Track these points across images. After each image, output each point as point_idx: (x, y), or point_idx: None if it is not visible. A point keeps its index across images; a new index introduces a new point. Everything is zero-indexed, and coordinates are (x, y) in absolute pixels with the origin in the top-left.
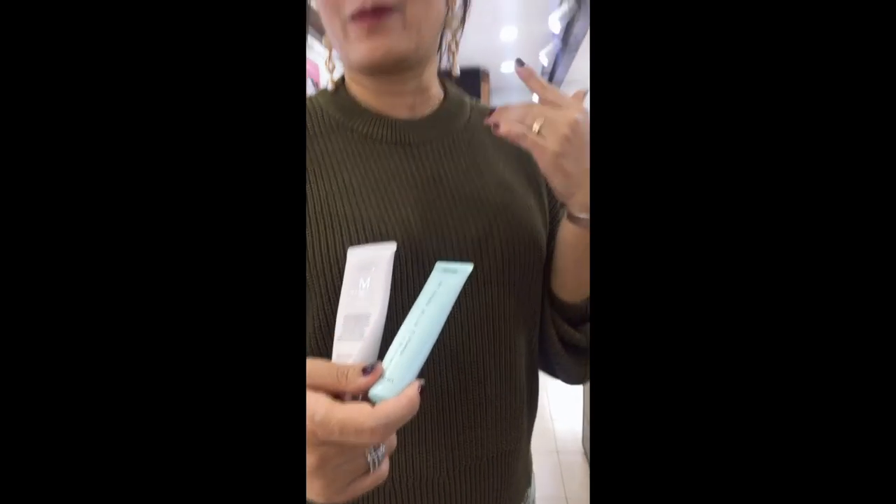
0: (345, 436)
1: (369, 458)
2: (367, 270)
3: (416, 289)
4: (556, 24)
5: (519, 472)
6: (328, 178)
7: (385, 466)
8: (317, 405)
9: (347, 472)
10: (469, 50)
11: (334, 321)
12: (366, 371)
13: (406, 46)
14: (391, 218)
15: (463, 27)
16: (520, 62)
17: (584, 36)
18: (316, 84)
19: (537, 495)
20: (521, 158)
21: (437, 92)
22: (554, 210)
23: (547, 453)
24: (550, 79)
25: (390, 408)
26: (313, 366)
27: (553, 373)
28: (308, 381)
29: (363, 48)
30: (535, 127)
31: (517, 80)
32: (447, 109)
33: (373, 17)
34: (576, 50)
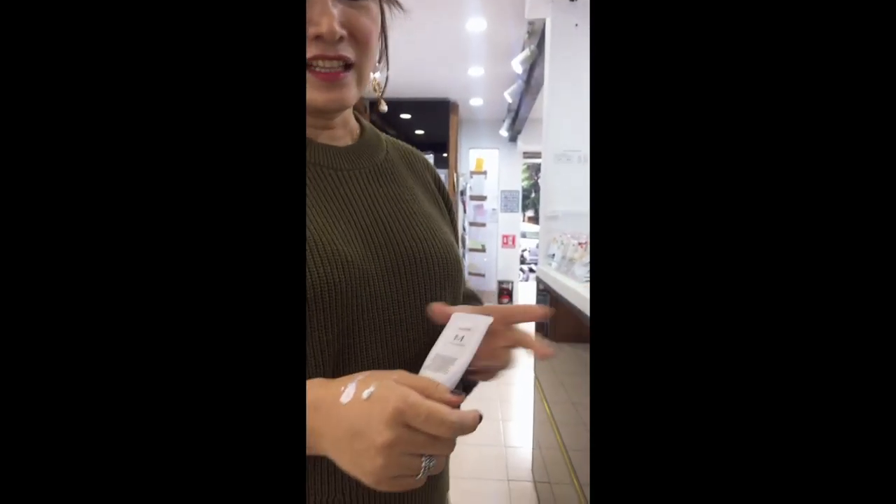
0: (429, 422)
1: (423, 464)
2: (466, 329)
3: (360, 303)
4: (518, 66)
5: (445, 476)
6: None
7: (424, 479)
8: (411, 394)
9: (404, 464)
10: (441, 84)
11: None
12: (452, 393)
13: (355, 98)
14: (337, 237)
15: (387, 70)
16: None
17: (543, 79)
18: None
19: None
20: (433, 194)
21: (354, 125)
22: (457, 239)
23: (499, 481)
24: (515, 115)
25: (465, 416)
26: (409, 375)
27: None
28: (404, 380)
29: (320, 97)
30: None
31: (484, 113)
32: (367, 141)
33: (337, 73)
34: (537, 91)
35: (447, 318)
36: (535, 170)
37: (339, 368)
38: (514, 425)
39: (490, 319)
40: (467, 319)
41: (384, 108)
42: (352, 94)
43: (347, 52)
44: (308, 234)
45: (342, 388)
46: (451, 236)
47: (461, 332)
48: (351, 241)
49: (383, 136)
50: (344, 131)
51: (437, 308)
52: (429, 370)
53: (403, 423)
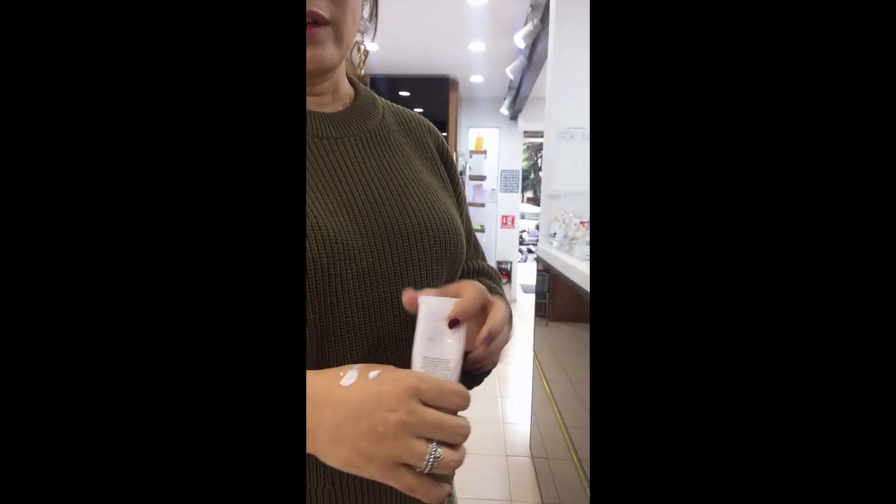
0: (442, 393)
1: (428, 450)
2: (443, 321)
3: (344, 280)
4: (521, 41)
5: None
6: None
7: (431, 487)
8: (414, 371)
9: (412, 447)
10: (440, 60)
11: None
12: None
13: (335, 59)
14: (319, 209)
15: (374, 32)
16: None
17: (546, 54)
18: None
19: (486, 496)
20: (434, 163)
21: (347, 90)
22: (461, 213)
23: (497, 457)
24: (516, 93)
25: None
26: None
27: None
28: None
29: None
30: None
31: (484, 91)
32: (360, 107)
33: (309, 28)
34: (540, 67)
35: (413, 306)
36: (534, 150)
37: (321, 352)
38: (512, 402)
39: (453, 301)
40: (438, 305)
41: (361, 71)
42: (328, 53)
43: (320, 7)
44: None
45: (340, 374)
46: (453, 208)
47: (439, 325)
48: (334, 214)
49: (381, 101)
50: (333, 97)
51: (406, 297)
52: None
53: (418, 398)
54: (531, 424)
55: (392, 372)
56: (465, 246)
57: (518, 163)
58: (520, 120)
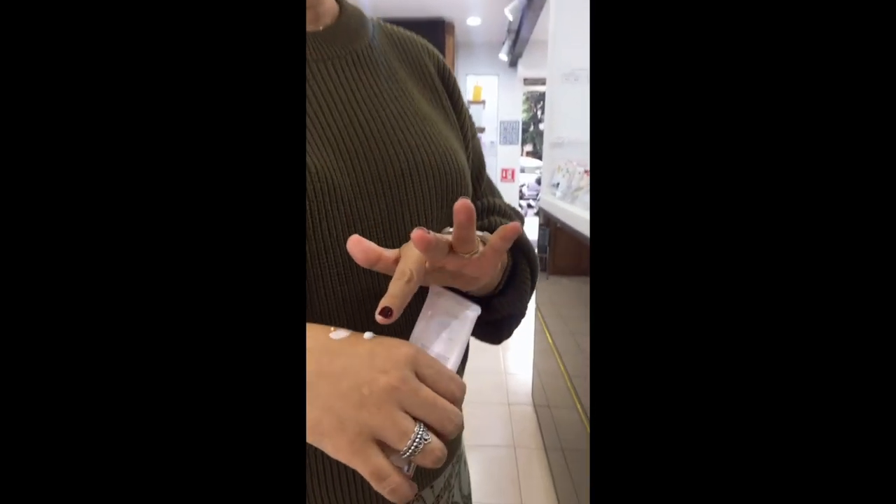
0: (441, 374)
1: (414, 434)
2: (454, 320)
3: (331, 226)
4: None
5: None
6: None
7: (402, 480)
8: (414, 344)
9: (398, 421)
10: (435, 1)
11: None
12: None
13: None
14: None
15: None
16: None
17: None
18: None
19: (491, 442)
20: (434, 90)
21: (331, 6)
22: (467, 146)
23: (499, 405)
24: (516, 36)
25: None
26: None
27: None
28: None
29: None
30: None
31: (482, 35)
32: (345, 24)
33: None
34: (540, 8)
35: (428, 246)
36: (534, 100)
37: (308, 307)
38: (513, 354)
39: (478, 310)
40: (451, 305)
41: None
42: None
43: None
44: None
45: (331, 328)
46: (455, 142)
47: (446, 321)
48: (317, 150)
49: (373, 19)
50: (312, 14)
51: (418, 237)
52: None
53: (413, 369)
54: (533, 374)
55: (390, 339)
56: (470, 186)
57: (518, 113)
58: (519, 66)
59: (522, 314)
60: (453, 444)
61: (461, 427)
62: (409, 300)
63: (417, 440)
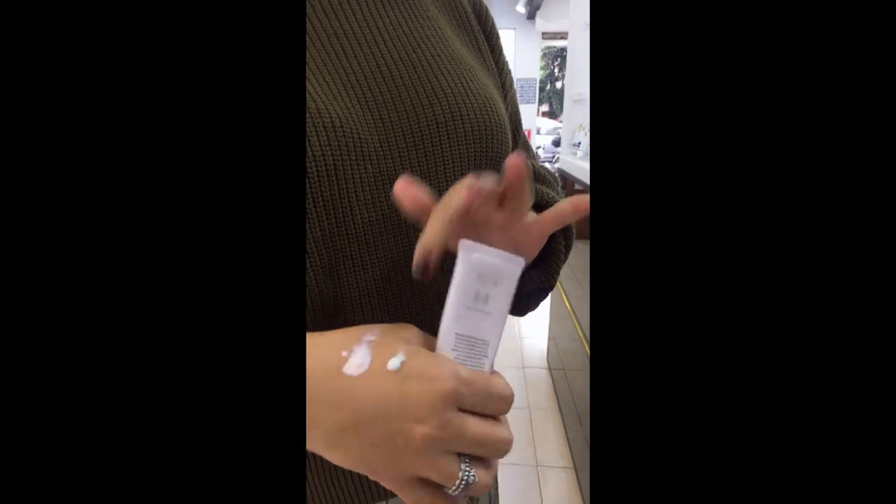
0: (490, 398)
1: (462, 470)
2: (493, 287)
3: (357, 187)
4: None
5: None
6: None
7: (463, 497)
8: (452, 365)
9: (443, 467)
10: None
11: None
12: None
13: None
14: (319, 92)
15: None
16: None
17: None
18: None
19: None
20: (469, 29)
21: None
22: (506, 96)
23: (514, 368)
24: None
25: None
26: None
27: None
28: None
29: None
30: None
31: None
32: None
33: None
34: None
35: (479, 197)
36: (551, 57)
37: (332, 278)
38: (527, 319)
39: (521, 262)
40: (489, 263)
41: None
42: None
43: None
44: None
45: (343, 352)
46: (494, 91)
47: (483, 289)
48: (340, 98)
49: None
50: None
51: (471, 188)
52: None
53: (456, 406)
54: (548, 339)
55: (421, 359)
56: (510, 142)
57: (536, 70)
58: (537, 19)
59: (552, 287)
60: None
61: (511, 444)
62: (442, 252)
63: (465, 479)
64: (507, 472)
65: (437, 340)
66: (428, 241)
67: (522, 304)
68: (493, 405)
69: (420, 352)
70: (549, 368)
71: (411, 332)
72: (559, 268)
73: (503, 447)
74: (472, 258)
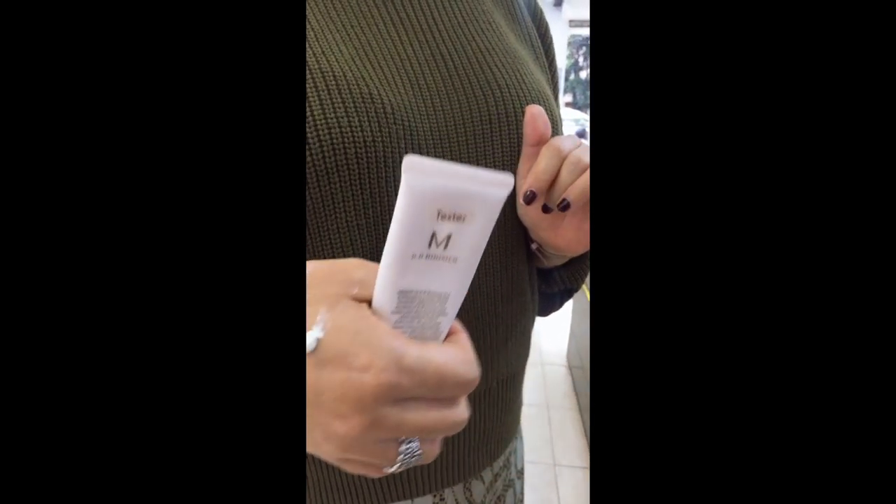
0: (441, 385)
1: (401, 450)
2: (452, 222)
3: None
4: None
5: (520, 394)
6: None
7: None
8: (398, 344)
9: (376, 453)
10: None
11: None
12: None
13: None
14: (373, 77)
15: None
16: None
17: None
18: None
19: (525, 401)
20: (522, 24)
21: None
22: (556, 94)
23: (533, 365)
24: None
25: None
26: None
27: None
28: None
29: None
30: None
31: None
32: None
33: None
34: None
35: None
36: (576, 46)
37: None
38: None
39: (506, 182)
40: (450, 191)
41: None
42: None
43: None
44: (325, 65)
45: (313, 319)
46: (547, 87)
47: (442, 229)
48: (393, 84)
49: None
50: None
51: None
52: (400, 326)
53: (393, 400)
54: (569, 336)
55: (345, 336)
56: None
57: (562, 59)
58: (564, 6)
59: (577, 289)
60: (511, 422)
61: (466, 420)
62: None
63: (406, 458)
64: (525, 470)
65: (373, 297)
66: (544, 172)
67: (548, 304)
68: (447, 392)
69: (346, 321)
70: (569, 367)
71: (364, 271)
72: (586, 270)
73: (456, 428)
74: (421, 185)
